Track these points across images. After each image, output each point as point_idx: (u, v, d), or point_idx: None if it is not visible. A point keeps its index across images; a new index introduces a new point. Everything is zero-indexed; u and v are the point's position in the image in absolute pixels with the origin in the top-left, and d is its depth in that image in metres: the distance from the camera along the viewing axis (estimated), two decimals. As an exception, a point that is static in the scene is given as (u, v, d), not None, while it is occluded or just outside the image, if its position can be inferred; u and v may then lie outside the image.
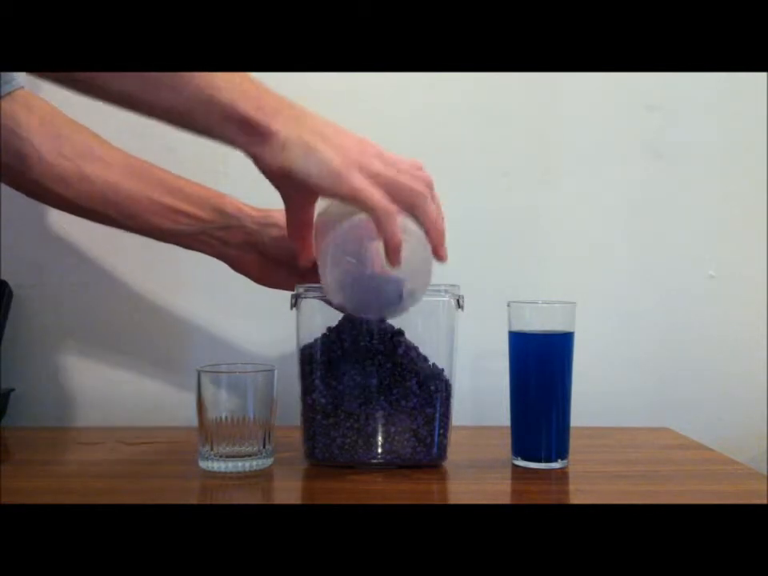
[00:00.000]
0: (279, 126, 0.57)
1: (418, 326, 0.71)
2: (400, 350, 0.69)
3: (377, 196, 0.58)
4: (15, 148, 0.68)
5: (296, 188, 0.60)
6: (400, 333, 0.70)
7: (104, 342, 0.95)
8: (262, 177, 0.60)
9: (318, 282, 0.73)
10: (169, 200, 0.72)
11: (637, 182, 0.97)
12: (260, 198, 0.74)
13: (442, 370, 0.71)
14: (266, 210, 0.74)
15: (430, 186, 0.62)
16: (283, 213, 0.70)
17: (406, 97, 0.95)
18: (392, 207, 0.59)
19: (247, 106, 0.56)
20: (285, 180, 0.59)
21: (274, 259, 0.74)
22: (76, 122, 0.73)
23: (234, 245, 0.74)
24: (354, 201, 0.58)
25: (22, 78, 0.71)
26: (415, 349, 0.70)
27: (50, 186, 0.70)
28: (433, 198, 0.62)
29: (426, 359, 0.70)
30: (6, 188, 0.90)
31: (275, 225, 0.73)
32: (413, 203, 0.60)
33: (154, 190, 0.72)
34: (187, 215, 0.72)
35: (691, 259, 0.98)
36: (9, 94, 0.69)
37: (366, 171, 0.59)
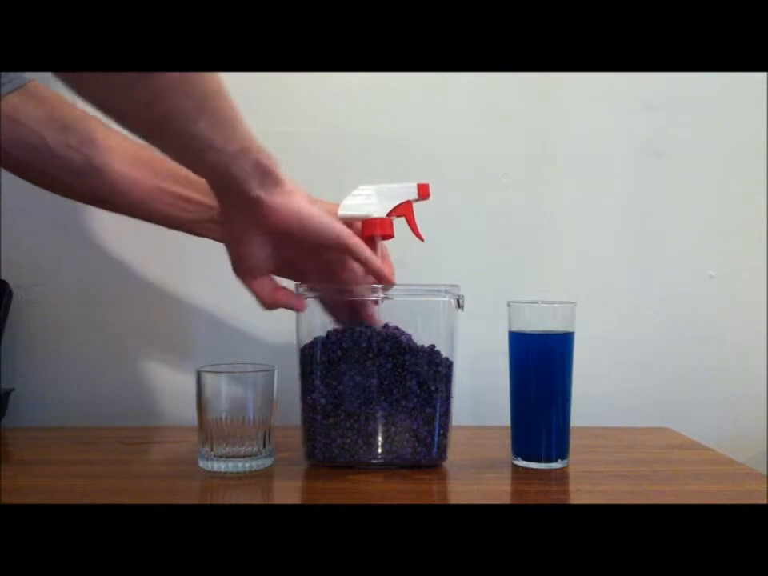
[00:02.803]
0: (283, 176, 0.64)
1: (418, 326, 0.71)
2: (400, 350, 0.69)
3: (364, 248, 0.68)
4: (26, 140, 0.69)
5: (303, 232, 0.65)
6: (400, 332, 0.70)
7: (104, 342, 0.95)
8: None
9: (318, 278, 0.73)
10: (176, 188, 0.72)
11: (637, 182, 0.97)
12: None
13: (442, 370, 0.71)
14: None
15: None
16: None
17: (406, 97, 0.95)
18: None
19: (264, 155, 0.62)
20: (291, 224, 0.64)
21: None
22: (85, 111, 0.72)
23: None
24: (348, 246, 0.67)
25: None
26: (415, 349, 0.70)
27: (59, 176, 0.71)
28: None
29: (426, 359, 0.70)
30: (5, 188, 0.90)
31: None
32: None
33: (162, 178, 0.72)
34: (195, 202, 0.73)
35: (691, 259, 0.98)
36: (22, 86, 0.69)
37: None
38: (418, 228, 0.72)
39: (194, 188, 0.73)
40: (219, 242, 0.75)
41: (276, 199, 0.62)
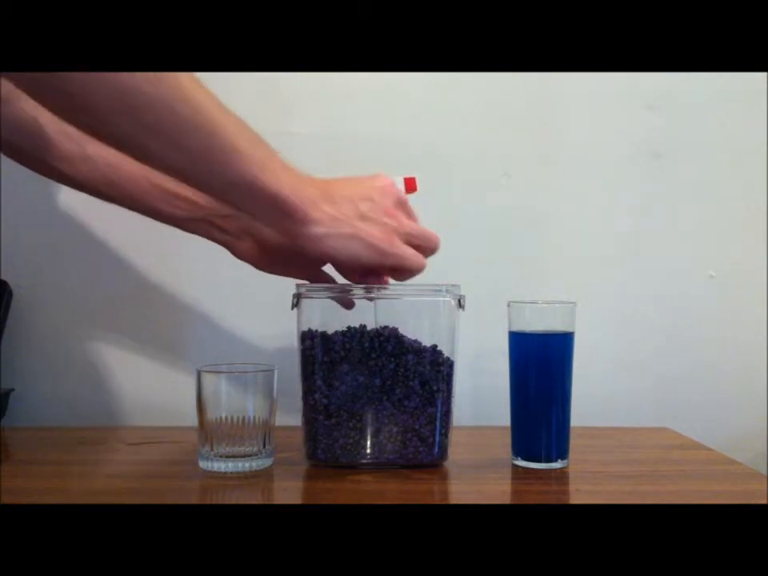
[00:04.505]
0: (318, 215, 0.61)
1: (419, 325, 0.71)
2: (402, 350, 0.69)
3: (417, 259, 0.66)
4: (22, 127, 0.69)
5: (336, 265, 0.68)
6: (402, 333, 0.70)
7: (104, 342, 0.95)
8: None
9: (314, 278, 0.73)
10: (169, 184, 0.71)
11: (637, 182, 0.97)
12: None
13: (444, 370, 0.71)
14: None
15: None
16: None
17: (405, 97, 0.95)
18: (425, 262, 0.68)
19: (289, 194, 0.59)
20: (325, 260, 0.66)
21: (271, 248, 0.74)
22: None
23: (232, 232, 0.74)
24: (400, 268, 0.66)
25: None
26: (418, 349, 0.70)
27: (54, 164, 0.70)
28: None
29: (428, 359, 0.70)
30: (5, 188, 0.90)
31: None
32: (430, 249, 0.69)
33: (156, 173, 0.72)
34: (186, 201, 0.72)
35: (691, 259, 0.98)
36: None
37: (401, 235, 0.66)
38: None
39: (186, 186, 0.72)
40: (213, 242, 0.75)
41: (309, 246, 0.61)
